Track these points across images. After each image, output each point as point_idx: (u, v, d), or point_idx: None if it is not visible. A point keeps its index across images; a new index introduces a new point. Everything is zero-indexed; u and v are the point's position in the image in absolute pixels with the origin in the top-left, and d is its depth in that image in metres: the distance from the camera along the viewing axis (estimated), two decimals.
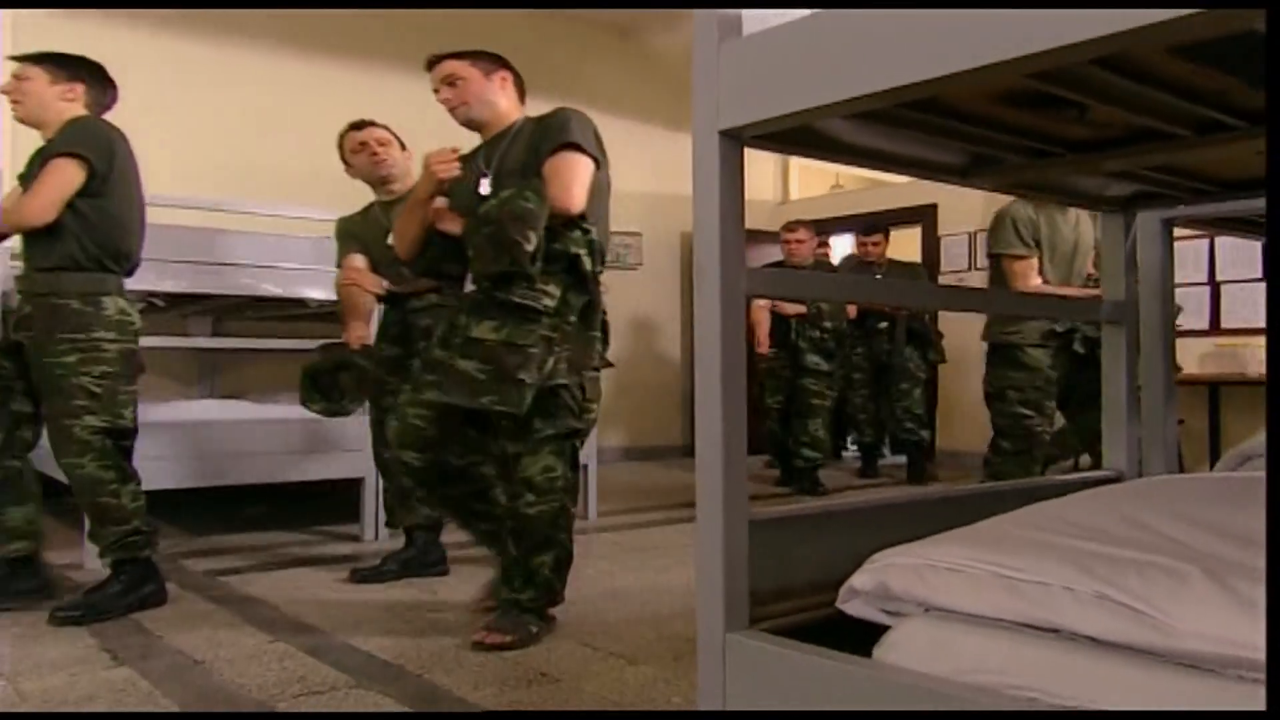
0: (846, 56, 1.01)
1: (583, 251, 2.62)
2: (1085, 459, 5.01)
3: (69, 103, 2.97)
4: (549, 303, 2.56)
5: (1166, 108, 1.26)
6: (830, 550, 1.33)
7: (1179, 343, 2.56)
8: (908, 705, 0.97)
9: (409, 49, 6.91)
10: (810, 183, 9.45)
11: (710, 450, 1.15)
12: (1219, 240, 6.27)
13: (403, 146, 3.66)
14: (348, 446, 4.18)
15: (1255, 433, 2.01)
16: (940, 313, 6.85)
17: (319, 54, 6.48)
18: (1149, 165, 1.58)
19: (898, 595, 1.08)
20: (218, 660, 2.50)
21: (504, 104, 2.82)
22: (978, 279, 7.30)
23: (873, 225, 6.81)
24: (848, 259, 7.42)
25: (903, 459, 6.77)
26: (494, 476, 2.77)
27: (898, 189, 7.76)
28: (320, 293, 4.24)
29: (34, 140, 2.98)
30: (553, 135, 2.64)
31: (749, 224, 1.20)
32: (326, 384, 3.40)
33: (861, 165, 1.55)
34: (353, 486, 4.27)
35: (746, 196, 1.17)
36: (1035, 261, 3.83)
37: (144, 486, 3.03)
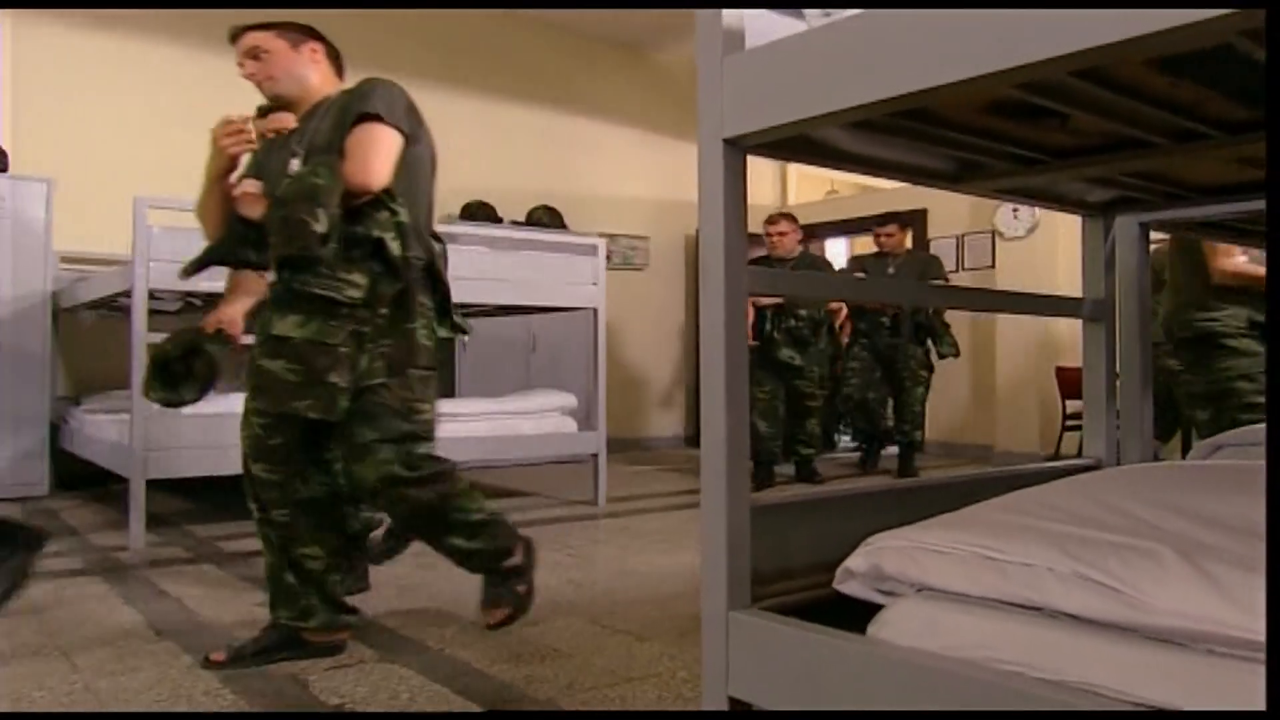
0: (842, 69, 1.02)
1: (388, 235, 2.23)
2: None
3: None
4: (354, 294, 2.20)
5: (1145, 117, 1.26)
6: (827, 534, 1.33)
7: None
8: (900, 679, 0.98)
9: (433, 66, 6.97)
10: (806, 188, 9.44)
11: (714, 440, 1.16)
12: None
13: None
14: None
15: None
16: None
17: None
18: (1128, 171, 1.59)
19: (891, 576, 1.09)
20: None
21: (315, 78, 2.44)
22: (965, 279, 7.29)
23: (886, 217, 6.42)
24: (855, 259, 7.31)
25: (893, 451, 6.61)
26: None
27: (889, 194, 7.75)
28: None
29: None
30: (354, 108, 2.27)
31: (749, 228, 1.21)
32: (179, 372, 2.70)
33: (857, 171, 1.55)
34: None
35: (748, 201, 1.18)
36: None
37: (194, 474, 2.97)
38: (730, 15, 1.14)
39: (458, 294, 4.63)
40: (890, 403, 6.33)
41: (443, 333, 2.48)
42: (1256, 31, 0.78)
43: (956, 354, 6.21)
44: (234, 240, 2.34)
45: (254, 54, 2.41)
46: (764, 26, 1.16)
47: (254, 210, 2.31)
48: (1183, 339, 3.15)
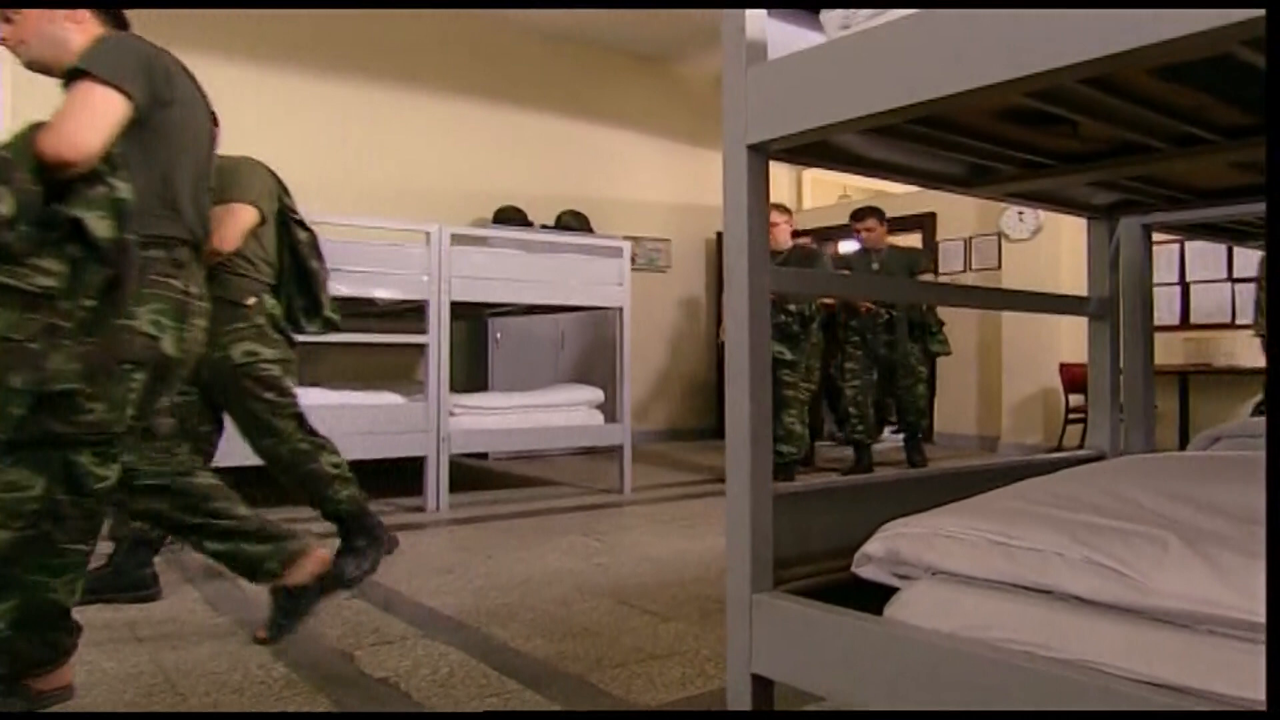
0: (860, 78, 1.02)
1: (94, 214, 1.78)
2: None
3: None
4: (47, 282, 1.75)
5: (1148, 123, 1.25)
6: (845, 521, 1.33)
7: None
8: (916, 658, 0.98)
9: (467, 80, 7.00)
10: (820, 193, 9.40)
11: (739, 430, 1.16)
12: (1188, 245, 6.22)
13: None
14: (412, 428, 4.21)
15: (1221, 416, 1.99)
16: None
17: (372, 81, 6.55)
18: (1131, 176, 1.57)
19: (907, 560, 1.09)
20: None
21: (78, 40, 1.96)
22: (972, 279, 7.24)
23: (861, 210, 5.81)
24: (838, 257, 7.18)
25: (898, 442, 6.43)
26: (197, 483, 2.17)
27: (900, 198, 7.69)
28: (386, 292, 4.27)
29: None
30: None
31: None
32: None
33: (873, 175, 1.55)
34: (416, 463, 4.30)
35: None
36: None
37: (240, 463, 3.02)
38: (753, 28, 1.14)
39: (491, 294, 4.62)
40: (891, 404, 6.05)
41: (313, 329, 2.24)
42: (1257, 40, 0.77)
43: (948, 351, 5.92)
44: None
45: (5, 16, 2.01)
46: (785, 38, 1.16)
47: None
48: None
